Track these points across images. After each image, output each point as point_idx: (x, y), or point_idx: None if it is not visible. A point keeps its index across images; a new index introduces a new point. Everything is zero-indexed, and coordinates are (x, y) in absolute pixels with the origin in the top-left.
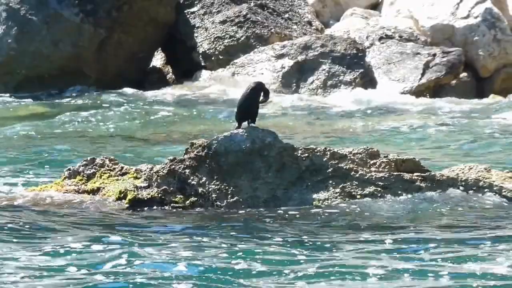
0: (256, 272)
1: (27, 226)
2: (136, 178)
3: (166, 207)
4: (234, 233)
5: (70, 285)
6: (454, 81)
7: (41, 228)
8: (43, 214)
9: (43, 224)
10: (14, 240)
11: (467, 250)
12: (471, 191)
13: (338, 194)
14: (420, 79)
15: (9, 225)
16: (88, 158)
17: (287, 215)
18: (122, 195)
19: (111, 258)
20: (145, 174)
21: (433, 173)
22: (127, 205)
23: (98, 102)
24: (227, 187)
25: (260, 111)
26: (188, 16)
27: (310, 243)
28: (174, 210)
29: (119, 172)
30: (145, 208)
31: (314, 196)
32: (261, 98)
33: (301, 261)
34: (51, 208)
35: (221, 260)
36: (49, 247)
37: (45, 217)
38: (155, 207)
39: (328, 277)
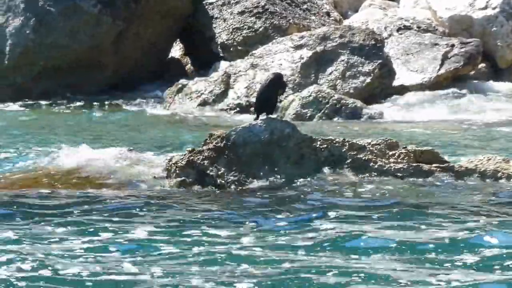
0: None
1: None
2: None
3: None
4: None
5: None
6: (472, 72)
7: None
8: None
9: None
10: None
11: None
12: (489, 181)
13: None
14: (439, 69)
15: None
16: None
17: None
18: None
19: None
20: (164, 165)
21: (451, 164)
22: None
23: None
24: (245, 178)
25: None
26: (206, 7)
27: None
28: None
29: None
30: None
31: None
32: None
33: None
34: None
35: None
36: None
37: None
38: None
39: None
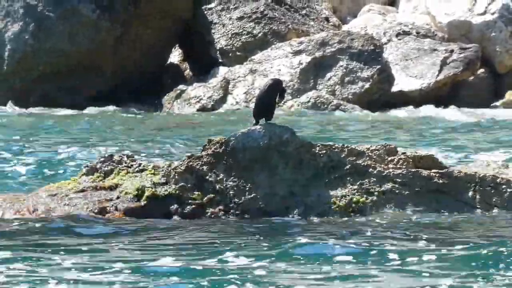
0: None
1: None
2: (154, 174)
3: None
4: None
5: None
6: (471, 78)
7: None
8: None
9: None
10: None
11: None
12: (488, 188)
13: (355, 190)
14: (438, 75)
15: None
16: (106, 155)
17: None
18: (140, 192)
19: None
20: (162, 170)
21: (451, 170)
22: (144, 202)
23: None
24: (244, 184)
25: None
26: (205, 12)
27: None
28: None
29: (137, 169)
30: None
31: (332, 193)
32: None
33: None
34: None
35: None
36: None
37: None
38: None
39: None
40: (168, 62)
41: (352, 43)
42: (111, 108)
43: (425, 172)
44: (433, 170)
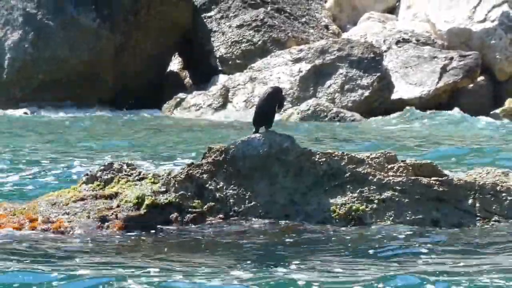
0: None
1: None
2: (153, 183)
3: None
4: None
5: None
6: (471, 85)
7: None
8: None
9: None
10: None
11: None
12: (488, 196)
13: (355, 198)
14: (437, 82)
15: None
16: (106, 163)
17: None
18: (140, 200)
19: None
20: (162, 179)
21: (450, 178)
22: (144, 210)
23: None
24: (244, 192)
25: None
26: (205, 20)
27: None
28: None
29: (137, 177)
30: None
31: (332, 201)
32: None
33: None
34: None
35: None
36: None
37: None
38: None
39: None
40: (168, 70)
41: (352, 51)
42: (109, 115)
43: (424, 180)
44: (432, 178)
